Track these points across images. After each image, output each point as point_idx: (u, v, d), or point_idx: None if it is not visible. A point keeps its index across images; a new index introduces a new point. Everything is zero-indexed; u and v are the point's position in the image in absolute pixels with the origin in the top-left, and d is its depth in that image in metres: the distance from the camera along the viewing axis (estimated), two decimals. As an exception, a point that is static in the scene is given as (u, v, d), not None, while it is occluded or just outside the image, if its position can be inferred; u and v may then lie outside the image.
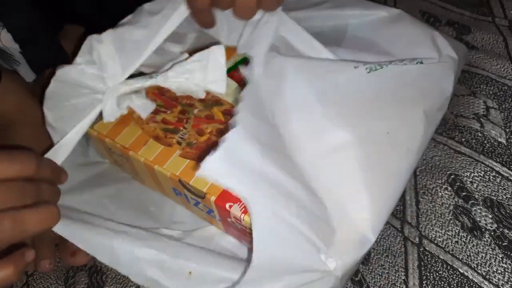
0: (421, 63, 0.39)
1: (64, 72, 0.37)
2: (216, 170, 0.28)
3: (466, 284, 0.35)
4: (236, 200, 0.33)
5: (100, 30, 0.51)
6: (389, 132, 0.35)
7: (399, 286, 0.36)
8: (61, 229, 0.33)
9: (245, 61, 0.40)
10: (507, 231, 0.37)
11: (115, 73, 0.37)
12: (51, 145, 0.38)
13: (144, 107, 0.39)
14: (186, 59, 0.37)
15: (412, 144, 0.36)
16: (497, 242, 0.37)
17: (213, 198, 0.33)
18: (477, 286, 0.35)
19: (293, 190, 0.31)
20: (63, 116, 0.37)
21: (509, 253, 0.36)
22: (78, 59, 0.37)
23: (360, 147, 0.34)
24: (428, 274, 0.36)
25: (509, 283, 0.35)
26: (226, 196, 0.33)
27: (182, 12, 0.37)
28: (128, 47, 0.37)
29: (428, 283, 0.36)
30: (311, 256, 0.30)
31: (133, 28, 0.37)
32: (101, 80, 0.37)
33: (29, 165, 0.31)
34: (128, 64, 0.37)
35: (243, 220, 0.32)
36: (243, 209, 0.32)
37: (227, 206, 0.33)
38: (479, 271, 0.36)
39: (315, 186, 0.33)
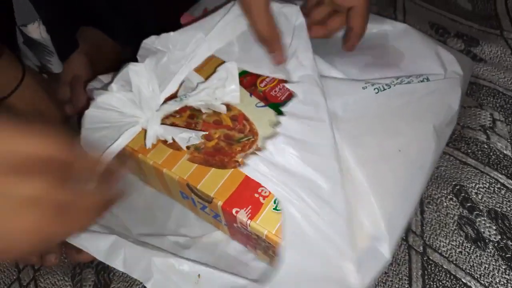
0: (427, 79, 0.40)
1: (103, 99, 0.39)
2: (258, 171, 0.32)
3: (469, 294, 0.36)
4: (243, 205, 0.33)
5: (115, 31, 0.53)
6: (401, 149, 0.36)
7: (402, 294, 0.37)
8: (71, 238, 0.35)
9: (245, 73, 0.42)
10: (510, 243, 0.37)
11: (151, 98, 0.39)
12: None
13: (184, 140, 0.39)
14: (206, 78, 0.41)
15: (424, 160, 0.37)
16: (501, 253, 0.37)
17: (220, 203, 0.34)
18: (479, 297, 0.35)
19: (328, 197, 0.31)
20: (101, 136, 0.39)
21: (511, 264, 0.36)
22: (113, 85, 0.39)
23: (373, 167, 0.35)
24: (432, 283, 0.37)
25: (512, 294, 0.35)
26: (233, 201, 0.34)
27: (209, 47, 0.42)
28: (162, 74, 0.40)
29: (431, 292, 0.36)
30: (338, 264, 0.31)
31: (167, 59, 0.41)
32: (137, 106, 0.39)
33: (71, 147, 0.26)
34: (163, 90, 0.40)
35: (249, 225, 0.33)
36: (250, 214, 0.33)
37: (233, 211, 0.33)
38: (482, 282, 0.36)
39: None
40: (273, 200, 0.33)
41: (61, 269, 0.44)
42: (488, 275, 0.36)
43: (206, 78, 0.41)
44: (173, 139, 0.37)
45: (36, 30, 0.47)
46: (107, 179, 0.28)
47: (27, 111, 0.47)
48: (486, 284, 0.36)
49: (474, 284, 0.36)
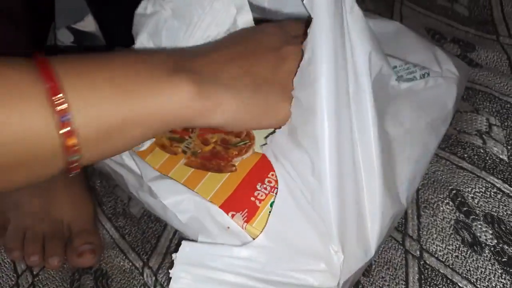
0: (428, 74, 0.40)
1: None
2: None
3: (465, 299, 0.36)
4: (239, 208, 0.34)
5: (108, 22, 0.53)
6: (399, 140, 0.36)
7: (399, 299, 0.37)
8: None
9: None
10: (506, 247, 0.37)
11: None
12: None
13: None
14: None
15: (421, 154, 0.37)
16: (497, 257, 0.37)
17: (215, 208, 0.34)
18: (476, 301, 0.35)
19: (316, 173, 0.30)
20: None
21: (508, 269, 0.36)
22: None
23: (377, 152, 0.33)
24: (428, 288, 0.37)
25: (508, 298, 0.35)
26: (229, 204, 0.34)
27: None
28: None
29: (428, 296, 0.36)
30: (322, 244, 0.30)
31: (161, 26, 0.37)
32: None
33: None
34: None
35: (245, 229, 0.33)
36: (246, 218, 0.33)
37: (229, 214, 0.34)
38: (478, 286, 0.36)
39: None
40: (269, 204, 0.34)
41: (60, 274, 0.44)
42: (484, 279, 0.36)
43: None
44: (170, 143, 0.37)
45: (92, 23, 0.48)
46: None
47: None
48: (483, 289, 0.36)
49: (470, 288, 0.36)
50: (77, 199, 0.44)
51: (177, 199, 0.34)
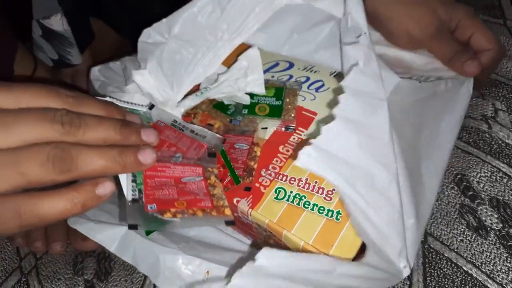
0: (441, 78, 0.40)
1: (123, 96, 0.38)
2: (313, 161, 0.27)
3: (470, 282, 0.36)
4: (244, 195, 0.33)
5: (121, 25, 0.53)
6: (423, 145, 0.36)
7: (404, 282, 0.37)
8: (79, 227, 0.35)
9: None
10: (512, 231, 0.37)
11: (166, 99, 0.37)
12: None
13: None
14: (228, 67, 0.39)
15: (442, 159, 0.37)
16: (502, 241, 0.37)
17: None
18: (481, 284, 0.35)
19: (384, 189, 0.29)
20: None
21: (513, 252, 0.36)
22: (129, 87, 0.38)
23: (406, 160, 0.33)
24: (432, 271, 0.37)
25: (513, 282, 0.35)
26: (233, 191, 0.34)
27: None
28: (171, 68, 0.37)
29: (432, 279, 0.36)
30: (390, 261, 0.29)
31: (168, 50, 0.37)
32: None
33: (73, 96, 0.26)
34: (179, 84, 0.38)
35: (250, 215, 0.33)
36: (250, 204, 0.33)
37: (234, 201, 0.33)
38: (483, 270, 0.36)
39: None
40: (274, 190, 0.33)
41: (63, 257, 0.44)
42: (489, 263, 0.36)
43: (229, 67, 0.39)
44: None
45: (59, 22, 0.48)
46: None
47: None
48: (488, 272, 0.36)
49: (475, 272, 0.36)
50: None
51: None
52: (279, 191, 0.33)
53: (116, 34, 0.58)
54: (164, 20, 0.37)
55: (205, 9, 0.37)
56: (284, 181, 0.34)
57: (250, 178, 0.34)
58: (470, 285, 0.35)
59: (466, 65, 0.40)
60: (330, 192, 0.33)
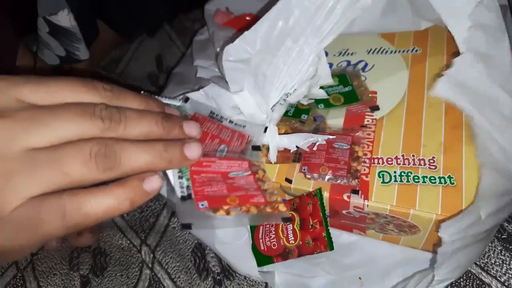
0: None
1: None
2: (447, 90, 0.32)
3: (465, 275, 0.35)
4: (347, 189, 0.33)
5: (119, 24, 0.53)
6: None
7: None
8: None
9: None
10: (506, 224, 0.37)
11: (262, 115, 0.36)
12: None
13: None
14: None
15: None
16: (496, 234, 0.37)
17: (326, 193, 0.34)
18: (475, 277, 0.35)
19: (511, 114, 0.31)
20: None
21: (507, 245, 0.36)
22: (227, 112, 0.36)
23: None
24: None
25: (507, 274, 0.35)
26: (339, 188, 0.33)
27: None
28: (262, 82, 0.36)
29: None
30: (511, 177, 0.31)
31: (258, 65, 0.36)
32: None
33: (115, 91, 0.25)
34: (270, 99, 0.36)
35: (367, 206, 0.33)
36: (363, 195, 0.33)
37: (344, 196, 0.33)
38: (477, 263, 0.36)
39: None
40: (377, 175, 0.33)
41: (58, 253, 0.44)
42: (483, 256, 0.36)
43: None
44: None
45: (66, 18, 0.48)
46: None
47: None
48: (482, 265, 0.36)
49: (469, 265, 0.36)
50: None
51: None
52: (383, 175, 0.33)
53: (113, 33, 0.58)
54: (245, 33, 0.34)
55: (282, 15, 0.34)
56: (382, 164, 0.34)
57: (356, 180, 0.33)
58: (464, 277, 0.35)
59: None
60: (431, 161, 0.33)
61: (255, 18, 0.35)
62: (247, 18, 0.48)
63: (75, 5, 0.48)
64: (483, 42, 0.32)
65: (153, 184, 0.24)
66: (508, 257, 0.36)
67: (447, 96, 0.33)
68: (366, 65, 0.42)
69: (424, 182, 0.33)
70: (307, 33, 0.34)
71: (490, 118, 0.32)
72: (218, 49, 0.43)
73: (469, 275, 0.35)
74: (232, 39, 0.34)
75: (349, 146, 0.35)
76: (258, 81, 0.35)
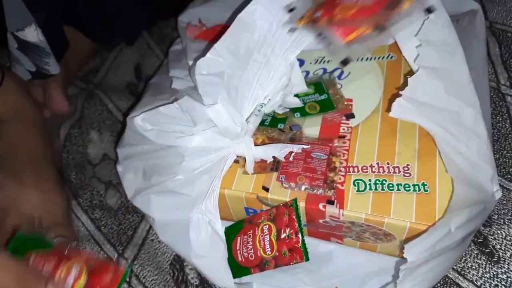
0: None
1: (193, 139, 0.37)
2: (405, 110, 0.33)
3: (442, 280, 0.36)
4: (323, 199, 0.33)
5: (93, 31, 0.52)
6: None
7: None
8: None
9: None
10: (482, 228, 0.37)
11: (236, 127, 0.36)
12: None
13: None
14: None
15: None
16: (473, 238, 0.37)
17: (302, 204, 0.34)
18: (452, 282, 0.35)
19: (472, 125, 0.32)
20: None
21: (483, 249, 0.36)
22: (199, 127, 0.36)
23: None
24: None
25: (483, 278, 0.35)
26: (314, 199, 0.33)
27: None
28: (236, 94, 0.36)
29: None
30: (481, 188, 0.31)
31: (230, 79, 0.36)
32: (224, 137, 0.36)
33: None
34: (243, 111, 0.37)
35: (343, 215, 0.32)
36: (338, 204, 0.33)
37: (320, 206, 0.33)
38: (454, 267, 0.36)
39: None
40: (352, 183, 0.34)
41: (35, 269, 0.43)
42: (460, 260, 0.36)
43: None
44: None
45: (34, 33, 0.47)
46: None
47: (8, 113, 0.47)
48: (459, 269, 0.36)
49: (447, 269, 0.36)
50: (47, 192, 0.42)
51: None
52: (358, 183, 0.33)
53: (88, 41, 0.57)
54: (215, 46, 0.34)
55: (247, 27, 0.35)
56: (357, 172, 0.34)
57: (332, 191, 0.33)
58: (441, 282, 0.35)
59: None
60: (406, 168, 0.34)
61: (225, 28, 0.35)
62: (219, 29, 0.48)
63: (42, 18, 0.47)
64: (435, 58, 0.33)
65: None
66: (484, 261, 0.36)
67: (405, 117, 0.33)
68: (342, 72, 0.42)
69: (398, 190, 0.33)
70: (273, 44, 0.34)
71: (453, 132, 0.32)
72: (191, 62, 0.43)
73: (446, 279, 0.36)
74: (203, 53, 0.34)
75: (326, 156, 0.35)
76: (231, 94, 0.35)
